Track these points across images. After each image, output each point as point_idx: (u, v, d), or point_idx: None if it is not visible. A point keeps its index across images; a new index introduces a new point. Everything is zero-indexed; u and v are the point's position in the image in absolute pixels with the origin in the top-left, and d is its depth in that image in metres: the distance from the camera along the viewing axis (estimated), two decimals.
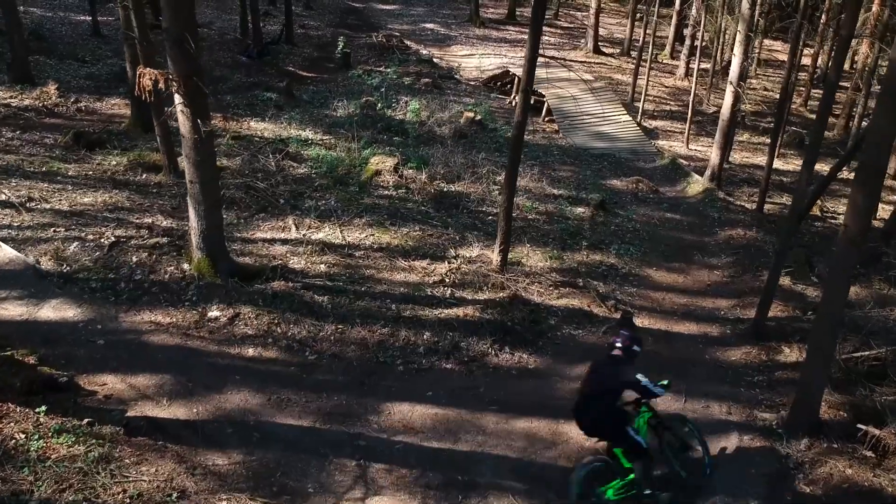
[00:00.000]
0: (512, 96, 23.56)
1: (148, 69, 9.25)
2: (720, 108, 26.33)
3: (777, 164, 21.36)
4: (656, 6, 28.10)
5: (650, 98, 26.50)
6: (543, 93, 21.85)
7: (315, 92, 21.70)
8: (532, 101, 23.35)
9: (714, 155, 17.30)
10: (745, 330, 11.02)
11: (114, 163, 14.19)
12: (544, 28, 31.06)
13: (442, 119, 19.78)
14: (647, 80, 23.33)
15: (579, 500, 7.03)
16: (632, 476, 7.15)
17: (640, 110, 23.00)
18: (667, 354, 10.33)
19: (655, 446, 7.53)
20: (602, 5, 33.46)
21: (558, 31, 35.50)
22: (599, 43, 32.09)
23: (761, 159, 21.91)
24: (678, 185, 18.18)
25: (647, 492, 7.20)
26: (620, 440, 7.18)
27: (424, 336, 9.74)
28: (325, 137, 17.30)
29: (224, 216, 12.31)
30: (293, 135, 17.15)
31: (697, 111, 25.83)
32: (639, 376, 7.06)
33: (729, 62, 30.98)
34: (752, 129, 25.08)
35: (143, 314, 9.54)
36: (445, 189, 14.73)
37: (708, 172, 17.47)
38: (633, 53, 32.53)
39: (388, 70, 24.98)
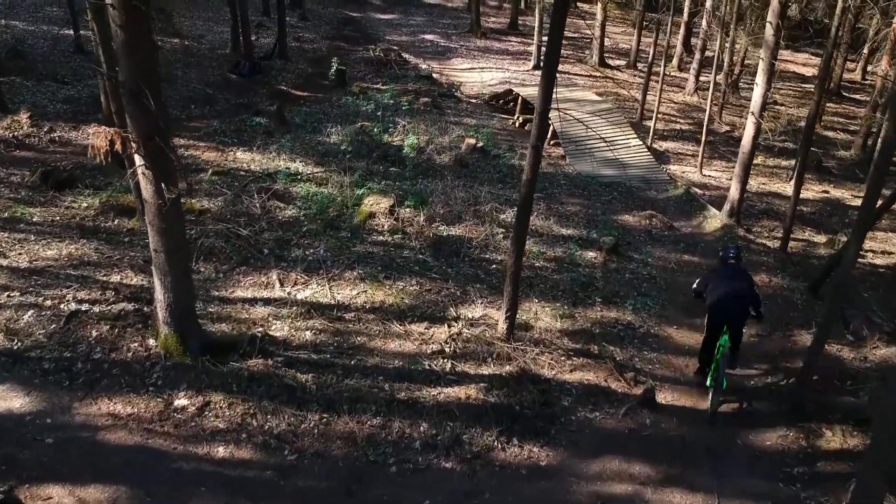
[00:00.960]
0: (516, 117, 22.34)
1: (103, 128, 8.08)
2: (733, 127, 25.23)
3: (787, 189, 20.17)
4: (670, 15, 26.87)
5: (659, 116, 25.29)
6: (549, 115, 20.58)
7: (308, 114, 20.47)
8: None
9: (733, 189, 16.08)
10: (780, 406, 9.82)
11: (84, 205, 12.98)
12: (547, 39, 29.86)
13: (442, 145, 18.58)
14: (659, 100, 22.07)
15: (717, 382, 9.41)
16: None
17: (651, 131, 21.75)
18: (693, 438, 9.14)
19: None
20: (607, 14, 32.26)
21: (562, 41, 34.22)
22: (605, 55, 30.87)
23: (779, 186, 20.75)
24: (694, 219, 16.96)
25: None
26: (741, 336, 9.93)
27: (421, 427, 8.53)
28: (316, 170, 16.08)
29: (201, 270, 11.17)
30: (282, 167, 15.93)
31: (710, 131, 24.63)
32: None
33: (740, 74, 29.84)
34: (766, 149, 23.83)
35: (101, 403, 8.33)
36: (445, 233, 13.51)
37: (726, 207, 16.24)
38: (640, 66, 31.39)
39: (386, 88, 23.78)
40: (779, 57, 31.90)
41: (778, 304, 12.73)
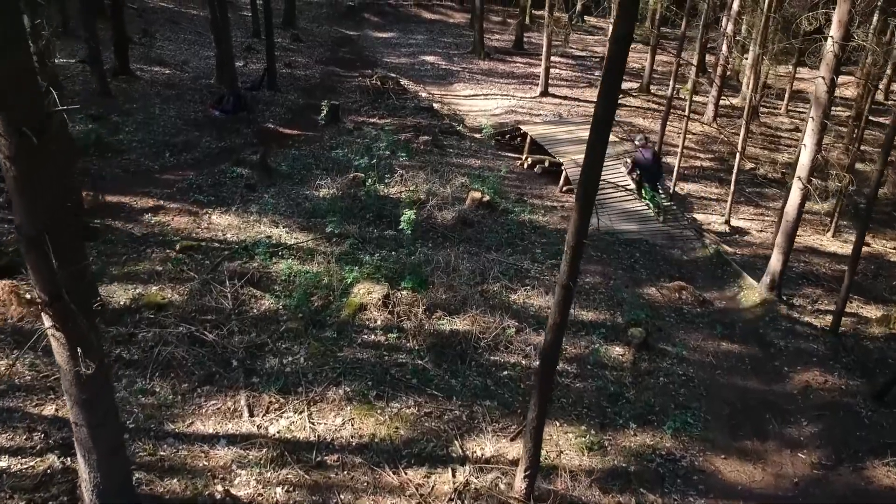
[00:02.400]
0: (524, 157, 20.30)
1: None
2: (757, 163, 23.18)
3: (825, 242, 18.22)
4: (683, 30, 24.80)
5: (677, 151, 23.26)
6: (561, 160, 18.60)
7: (296, 158, 18.45)
8: (547, 164, 20.38)
9: (774, 260, 14.04)
10: None
11: (27, 296, 10.99)
12: (554, 59, 27.54)
13: (444, 198, 16.58)
14: (683, 140, 20.01)
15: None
16: None
17: (675, 174, 19.65)
18: None
19: None
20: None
21: (570, 61, 32.23)
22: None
23: (815, 238, 18.70)
24: (728, 288, 14.95)
25: None
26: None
27: None
28: (301, 236, 14.09)
29: (156, 390, 9.18)
30: (262, 235, 13.91)
31: (732, 167, 22.61)
32: None
33: (760, 99, 27.78)
34: (784, 185, 21.71)
35: None
36: (448, 327, 11.51)
37: (766, 280, 14.21)
38: (654, 88, 29.35)
39: (383, 122, 21.76)
40: (799, 75, 29.79)
41: (840, 419, 10.73)
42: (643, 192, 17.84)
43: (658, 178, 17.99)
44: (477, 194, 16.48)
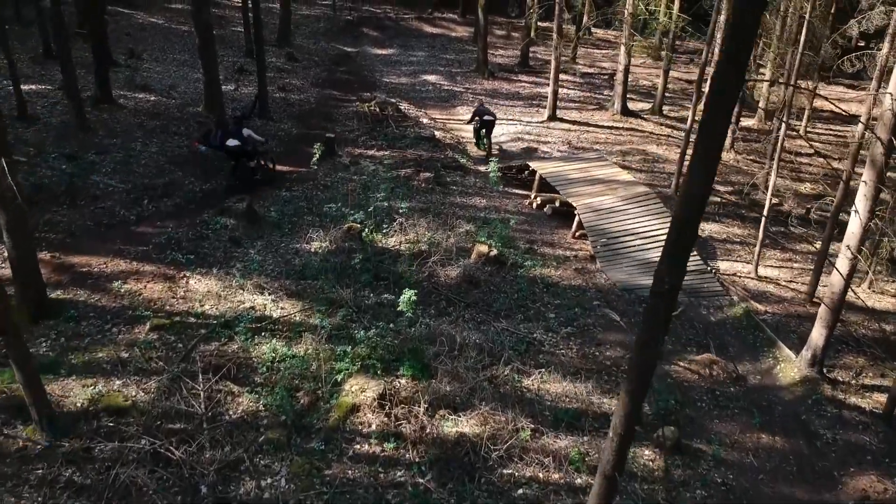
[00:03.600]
0: (532, 196, 18.72)
1: None
2: (781, 198, 21.56)
3: (861, 294, 16.58)
4: (706, 47, 23.20)
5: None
6: (574, 202, 17.00)
7: (288, 201, 16.90)
8: (557, 204, 18.71)
9: (816, 333, 12.47)
10: None
11: None
12: (561, 77, 25.79)
13: (447, 249, 15.04)
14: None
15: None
16: None
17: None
18: None
19: None
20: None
21: (577, 78, 30.59)
22: (628, 95, 27.07)
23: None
24: (762, 358, 13.39)
25: None
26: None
27: None
28: (288, 305, 12.54)
29: None
30: (245, 305, 12.36)
31: (754, 202, 21.05)
32: None
33: (780, 124, 26.15)
34: (811, 222, 20.15)
35: None
36: (453, 430, 9.95)
37: (806, 355, 12.64)
38: (666, 108, 27.75)
39: (381, 155, 20.22)
40: (806, 88, 28.12)
41: None
42: (480, 139, 22.34)
43: (491, 130, 22.18)
44: (483, 248, 14.91)
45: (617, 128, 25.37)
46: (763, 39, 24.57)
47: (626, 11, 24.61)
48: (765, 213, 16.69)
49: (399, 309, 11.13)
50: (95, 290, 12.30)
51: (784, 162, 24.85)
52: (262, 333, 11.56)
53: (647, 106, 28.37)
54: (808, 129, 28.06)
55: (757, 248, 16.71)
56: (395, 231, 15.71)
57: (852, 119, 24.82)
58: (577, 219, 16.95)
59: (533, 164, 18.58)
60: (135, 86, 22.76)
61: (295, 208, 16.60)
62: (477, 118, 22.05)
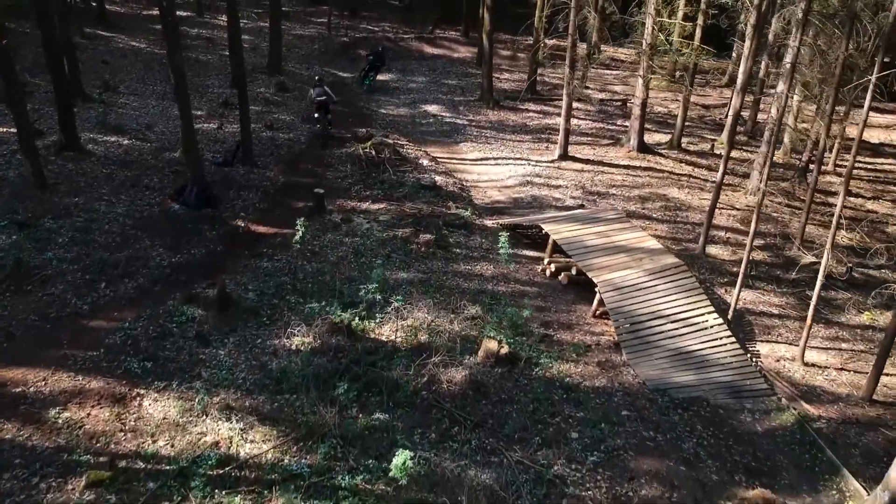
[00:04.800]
0: (545, 262, 16.47)
1: None
2: (818, 252, 19.24)
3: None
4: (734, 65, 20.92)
5: (722, 239, 19.46)
6: (594, 278, 14.74)
7: (268, 275, 14.67)
8: (574, 272, 15.51)
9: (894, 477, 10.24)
10: None
11: None
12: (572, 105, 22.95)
13: (451, 344, 12.85)
14: (749, 252, 16.18)
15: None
16: None
17: (736, 297, 15.56)
18: None
19: None
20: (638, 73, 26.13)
21: (589, 106, 28.27)
22: (645, 127, 24.68)
23: None
24: (824, 491, 11.18)
25: None
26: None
27: None
28: (259, 437, 10.34)
29: None
30: (207, 440, 10.16)
31: (789, 260, 18.81)
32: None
33: (809, 160, 23.84)
34: (858, 286, 17.91)
35: None
36: None
37: (884, 497, 10.40)
38: (685, 141, 25.44)
39: (376, 209, 18.01)
40: (843, 124, 25.77)
41: None
42: (367, 78, 27.11)
43: (378, 69, 27.43)
44: (492, 345, 12.68)
45: (634, 167, 23.09)
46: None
47: (644, 42, 22.32)
48: (815, 292, 14.41)
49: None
50: (27, 422, 10.10)
51: (815, 204, 22.64)
52: (226, 485, 9.34)
53: (664, 138, 26.10)
54: (839, 161, 25.77)
55: (804, 336, 14.45)
56: (390, 317, 13.50)
57: None
58: (597, 296, 14.71)
59: (546, 227, 16.31)
60: (107, 126, 20.51)
61: (276, 285, 14.37)
62: (369, 59, 27.39)
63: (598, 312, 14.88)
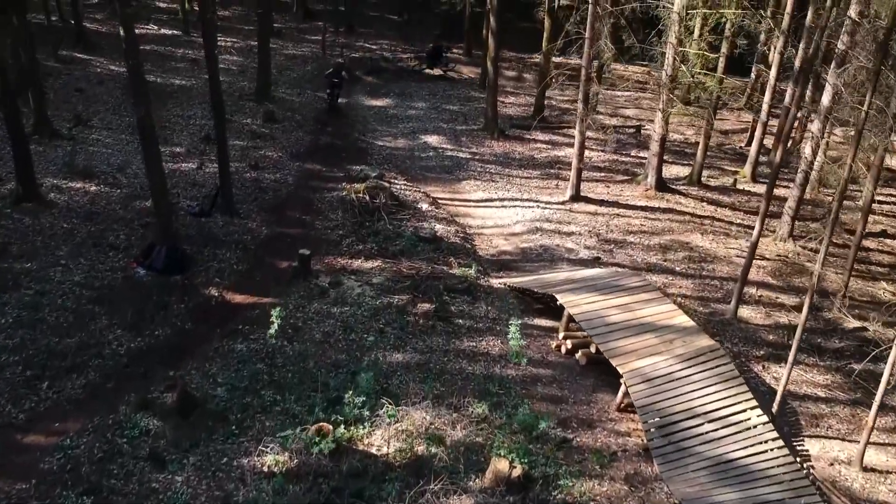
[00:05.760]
0: (560, 337, 14.36)
1: None
2: (863, 314, 16.94)
3: None
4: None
5: (753, 297, 17.33)
6: (619, 367, 12.58)
7: (242, 362, 12.58)
8: (594, 351, 13.28)
9: None
10: None
11: None
12: (572, 132, 20.64)
13: (454, 469, 10.74)
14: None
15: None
16: None
17: (782, 390, 13.30)
18: None
19: None
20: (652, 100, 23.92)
21: (600, 134, 25.95)
22: (664, 159, 22.43)
23: None
24: None
25: None
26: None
27: None
28: None
29: None
30: None
31: (830, 324, 16.67)
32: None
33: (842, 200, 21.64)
34: None
35: None
36: None
37: None
38: (705, 175, 23.27)
39: (369, 269, 15.90)
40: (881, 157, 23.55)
41: None
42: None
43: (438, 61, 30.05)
44: (502, 465, 10.54)
45: (652, 208, 20.94)
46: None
47: (664, 74, 20.16)
48: (882, 385, 12.27)
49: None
50: None
51: (846, 247, 20.47)
52: None
53: (682, 171, 23.95)
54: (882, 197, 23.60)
55: (864, 438, 12.31)
56: (381, 422, 11.39)
57: None
58: (623, 387, 12.58)
59: (561, 298, 14.15)
60: (74, 170, 18.41)
61: (251, 375, 12.28)
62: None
63: (623, 405, 12.78)
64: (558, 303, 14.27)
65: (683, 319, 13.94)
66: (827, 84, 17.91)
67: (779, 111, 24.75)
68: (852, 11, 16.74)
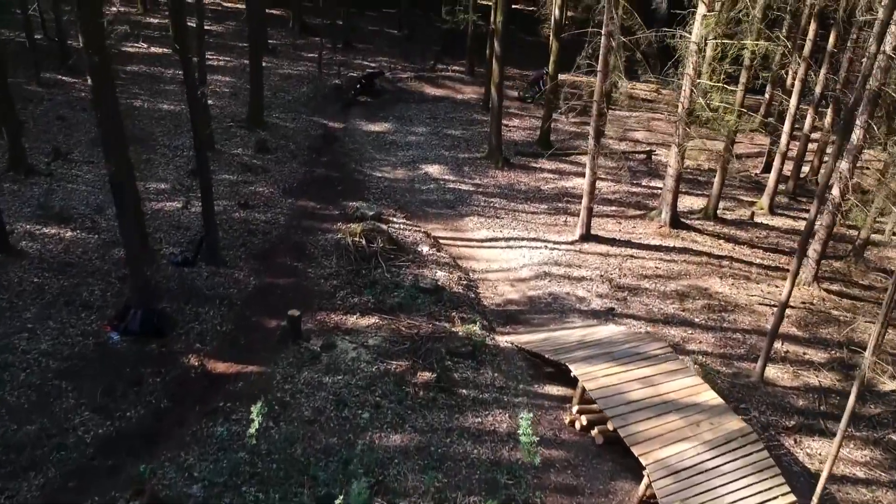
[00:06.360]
0: (574, 412, 12.97)
1: None
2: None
3: None
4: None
5: (779, 354, 15.95)
6: (642, 457, 11.20)
7: (221, 450, 11.21)
8: (611, 428, 11.81)
9: None
10: None
11: None
12: (581, 159, 19.05)
13: None
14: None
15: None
16: None
17: (826, 477, 11.89)
18: None
19: None
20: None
21: (610, 161, 24.54)
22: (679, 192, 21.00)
23: None
24: None
25: None
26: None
27: None
28: None
29: None
30: None
31: (868, 387, 15.28)
32: None
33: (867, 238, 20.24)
34: None
35: None
36: None
37: None
38: (721, 206, 21.88)
39: (366, 328, 14.53)
40: None
41: None
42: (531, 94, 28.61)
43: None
44: None
45: (667, 248, 19.56)
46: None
47: (680, 106, 18.77)
48: None
49: None
50: None
51: (877, 289, 19.10)
52: None
53: (696, 202, 22.61)
54: None
55: None
56: None
57: None
58: (645, 478, 11.21)
59: (576, 370, 12.75)
60: (49, 213, 17.05)
61: (231, 466, 10.92)
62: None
63: (645, 497, 11.40)
64: (573, 374, 12.88)
65: (710, 396, 12.56)
66: (856, 124, 16.49)
67: (797, 132, 23.41)
68: (888, 46, 15.31)
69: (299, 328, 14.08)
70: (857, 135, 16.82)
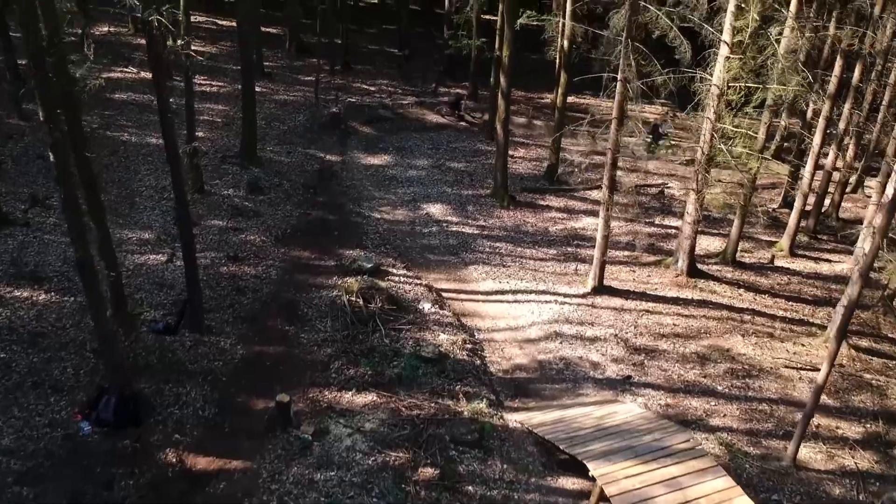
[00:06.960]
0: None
1: None
2: None
3: None
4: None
5: (810, 429, 14.58)
6: None
7: None
8: None
9: None
10: None
11: None
12: (597, 195, 17.00)
13: None
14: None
15: None
16: None
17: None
18: None
19: None
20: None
21: (620, 197, 23.04)
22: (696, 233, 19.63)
23: None
24: None
25: None
26: None
27: None
28: None
29: None
30: None
31: None
32: None
33: None
34: None
35: None
36: None
37: None
38: (740, 249, 20.50)
39: (362, 408, 13.20)
40: None
41: None
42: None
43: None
44: None
45: (685, 301, 18.20)
46: None
47: (699, 151, 17.39)
48: None
49: None
50: None
51: None
52: None
53: (713, 243, 21.25)
54: None
55: None
56: None
57: None
58: None
59: (594, 469, 11.40)
60: (22, 271, 15.72)
61: None
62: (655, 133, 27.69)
63: None
64: (591, 474, 11.53)
65: (743, 501, 11.20)
66: (891, 180, 15.11)
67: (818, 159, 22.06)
68: None
69: (289, 415, 12.73)
70: (892, 187, 15.43)
